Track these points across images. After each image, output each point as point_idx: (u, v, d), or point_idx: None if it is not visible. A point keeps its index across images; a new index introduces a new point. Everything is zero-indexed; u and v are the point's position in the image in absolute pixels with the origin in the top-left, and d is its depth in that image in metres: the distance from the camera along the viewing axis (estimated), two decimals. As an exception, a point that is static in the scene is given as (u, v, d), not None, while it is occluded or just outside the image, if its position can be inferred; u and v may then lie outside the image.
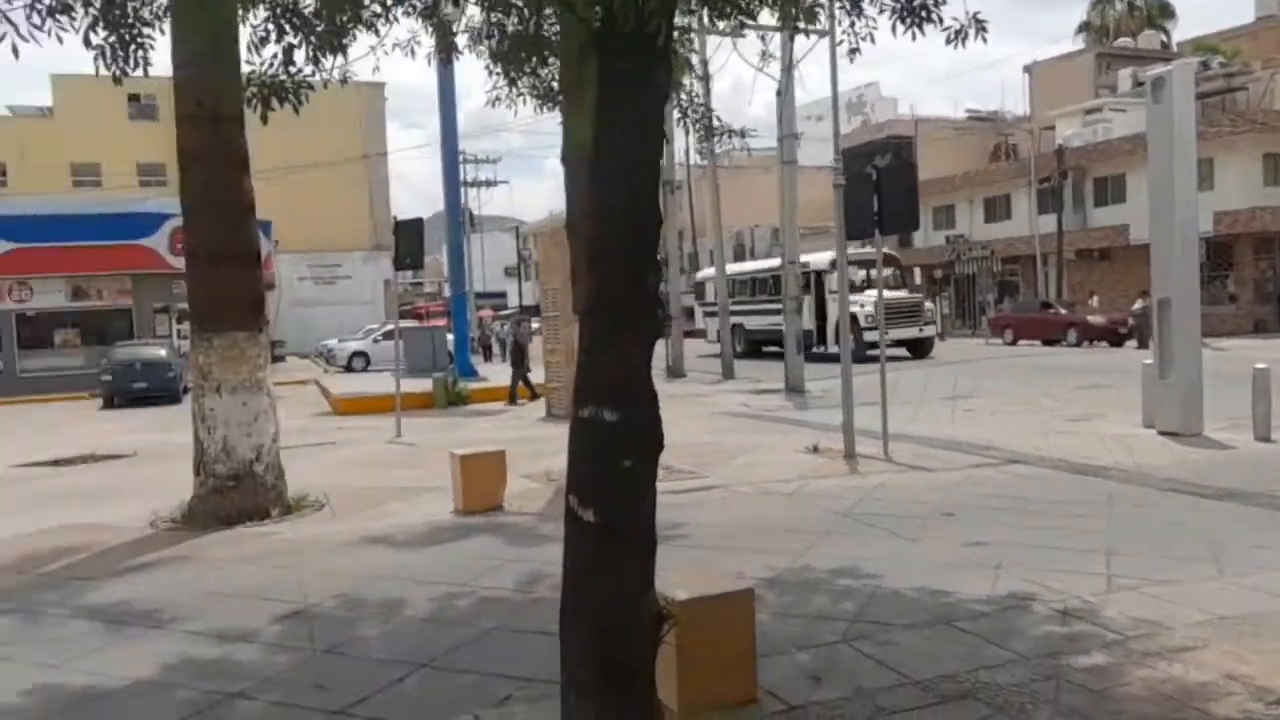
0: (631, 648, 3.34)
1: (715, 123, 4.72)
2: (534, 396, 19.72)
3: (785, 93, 19.83)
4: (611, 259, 3.32)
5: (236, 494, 9.17)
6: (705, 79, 21.61)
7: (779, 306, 22.47)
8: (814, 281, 27.33)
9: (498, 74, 4.35)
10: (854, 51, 4.09)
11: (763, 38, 3.98)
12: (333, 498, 10.07)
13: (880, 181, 11.00)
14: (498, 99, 4.70)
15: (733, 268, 33.61)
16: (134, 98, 45.19)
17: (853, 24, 4.03)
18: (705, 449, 12.30)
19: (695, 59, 17.82)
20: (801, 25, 3.96)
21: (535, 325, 25.21)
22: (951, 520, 8.17)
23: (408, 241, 14.96)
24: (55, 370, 29.30)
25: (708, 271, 36.57)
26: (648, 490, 3.40)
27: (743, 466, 11.13)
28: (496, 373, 24.71)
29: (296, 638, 5.89)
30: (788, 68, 19.39)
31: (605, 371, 3.32)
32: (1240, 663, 4.79)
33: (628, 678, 3.35)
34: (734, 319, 29.05)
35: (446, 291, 42.44)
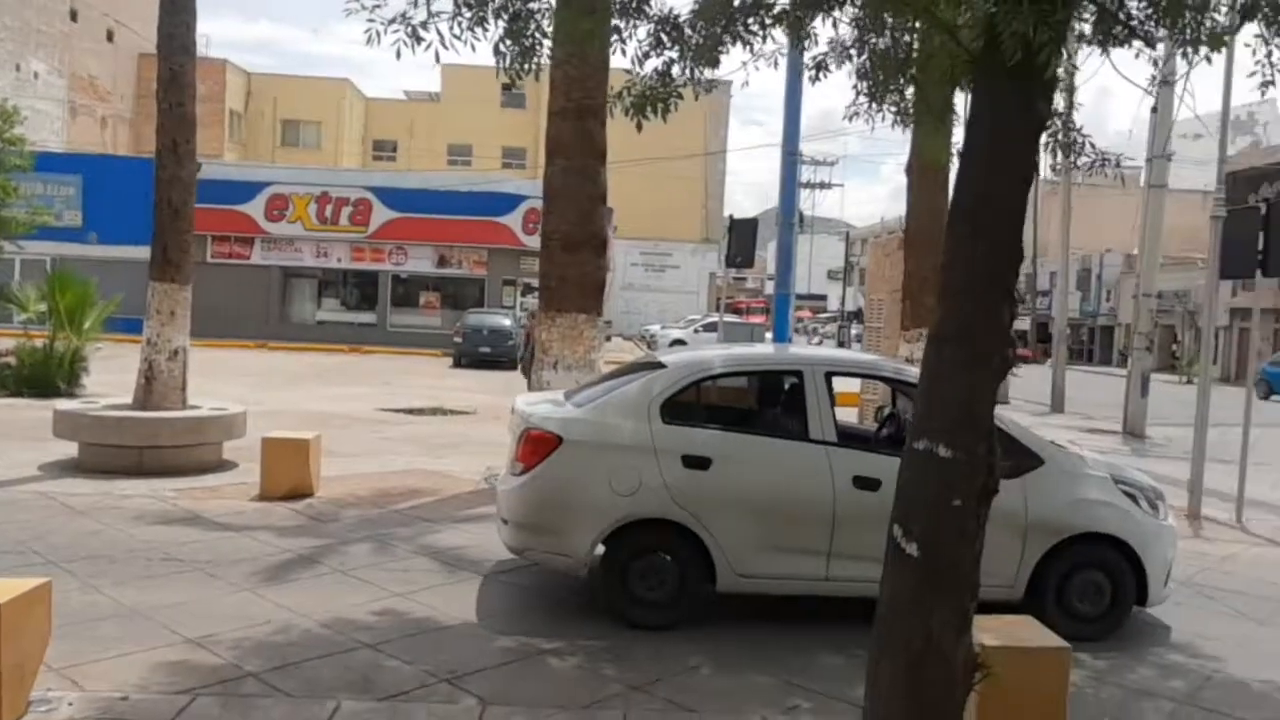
0: (943, 690, 3.26)
1: (1089, 150, 4.41)
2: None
3: (1161, 110, 18.06)
4: (968, 290, 3.23)
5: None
6: (1070, 90, 20.13)
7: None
8: None
9: (862, 91, 4.35)
10: (1267, 85, 3.67)
11: (1155, 63, 3.62)
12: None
13: (1271, 215, 9.79)
14: (855, 114, 4.71)
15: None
16: (506, 87, 49.63)
17: (1269, 54, 3.62)
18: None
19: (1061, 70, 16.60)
20: (1206, 53, 3.61)
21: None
22: (1316, 610, 7.17)
23: (741, 240, 15.27)
24: (417, 328, 32.98)
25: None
26: (976, 531, 3.29)
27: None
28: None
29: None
30: (1166, 82, 17.60)
31: (948, 405, 3.25)
32: None
33: None
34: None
35: (768, 289, 42.92)
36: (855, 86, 4.38)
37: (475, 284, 33.49)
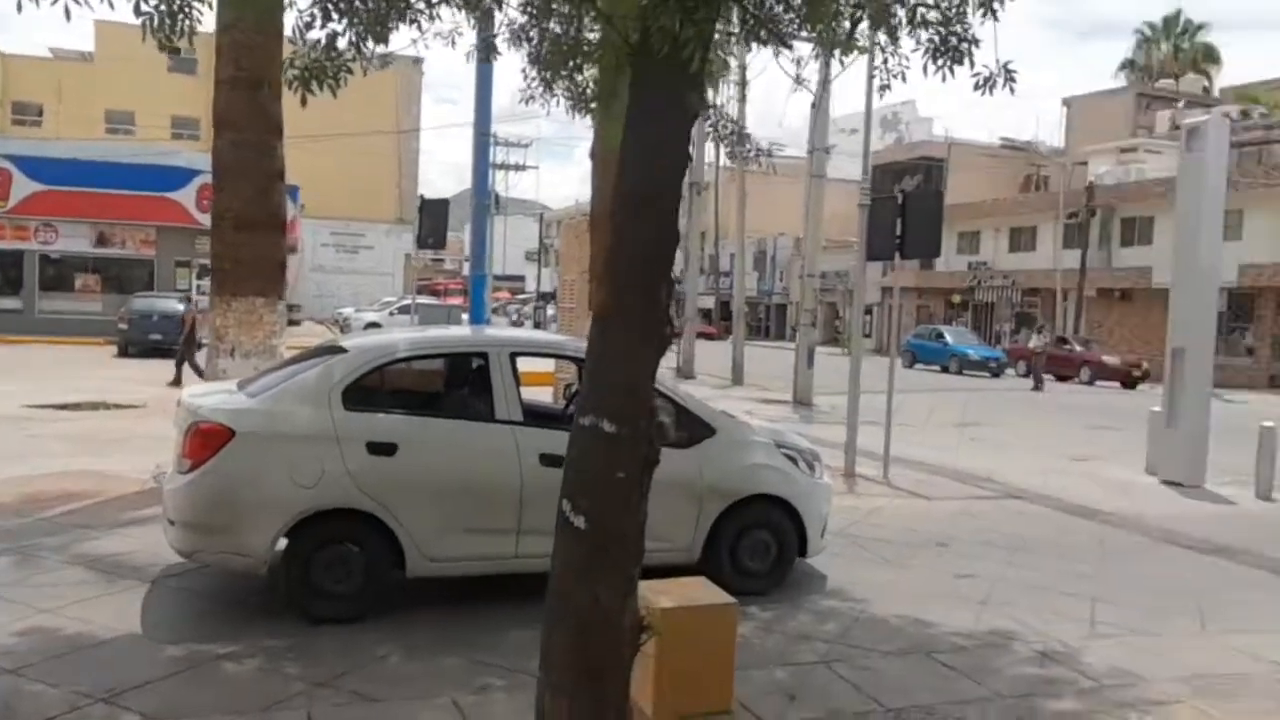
0: (610, 653, 3.42)
1: (746, 143, 4.79)
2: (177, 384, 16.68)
3: (819, 107, 19.84)
4: (628, 273, 3.39)
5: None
6: (742, 84, 21.64)
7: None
8: None
9: (534, 77, 4.42)
10: (884, 88, 4.14)
11: (797, 62, 4.01)
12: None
13: (906, 206, 11.02)
14: (531, 98, 4.78)
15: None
16: (170, 51, 45.48)
17: (885, 61, 4.08)
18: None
19: (733, 62, 17.75)
20: (838, 55, 4.01)
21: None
22: (944, 551, 8.22)
23: (432, 221, 15.04)
24: (73, 314, 29.55)
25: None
26: (640, 502, 3.47)
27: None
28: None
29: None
30: (823, 82, 19.41)
31: (612, 382, 3.39)
32: (1212, 722, 4.88)
33: (604, 681, 3.43)
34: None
35: (466, 270, 42.66)
36: (524, 70, 4.45)
37: (143, 265, 30.54)
